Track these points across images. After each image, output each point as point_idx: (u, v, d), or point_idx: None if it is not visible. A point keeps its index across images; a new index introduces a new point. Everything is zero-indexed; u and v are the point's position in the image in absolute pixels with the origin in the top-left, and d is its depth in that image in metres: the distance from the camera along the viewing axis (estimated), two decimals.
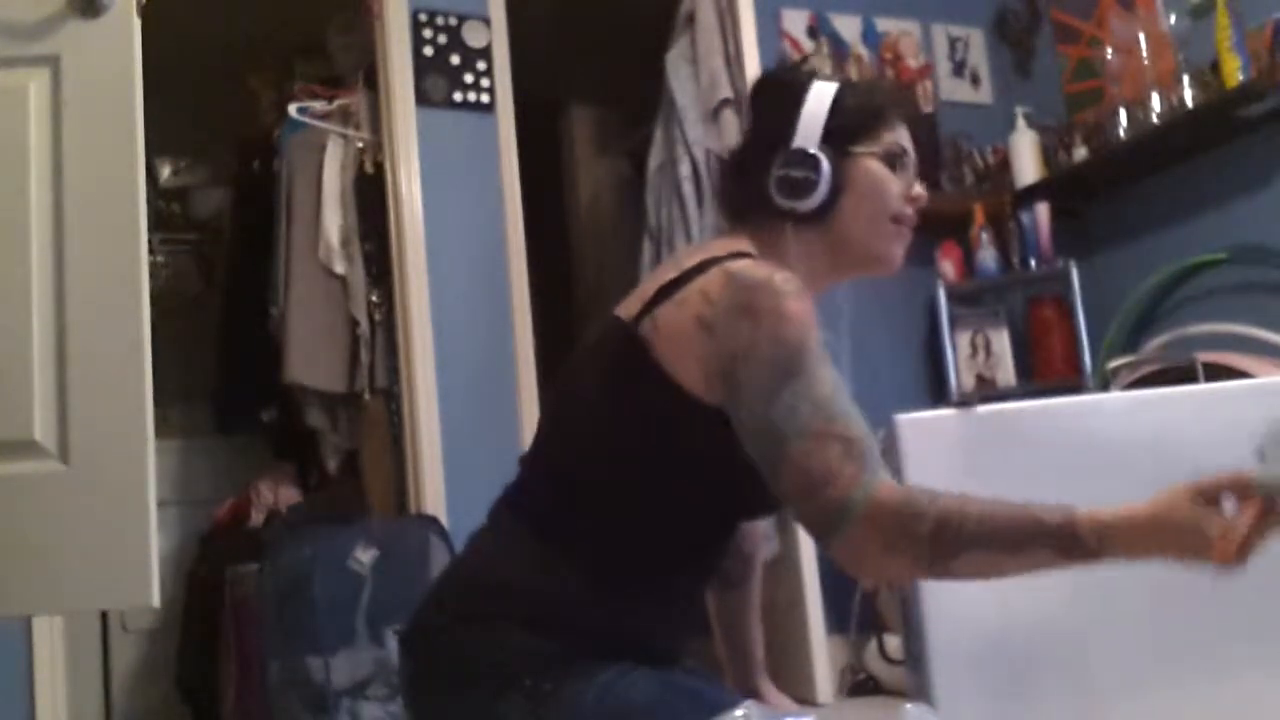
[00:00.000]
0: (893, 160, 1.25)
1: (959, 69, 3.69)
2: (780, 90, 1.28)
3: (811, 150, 1.20)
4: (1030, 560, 1.03)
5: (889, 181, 1.24)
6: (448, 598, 1.24)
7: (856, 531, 1.02)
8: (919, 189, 1.27)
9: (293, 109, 3.07)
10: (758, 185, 1.22)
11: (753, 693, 1.45)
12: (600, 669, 1.12)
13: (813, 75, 1.29)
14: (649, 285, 1.20)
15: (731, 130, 3.07)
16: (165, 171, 4.11)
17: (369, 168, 2.99)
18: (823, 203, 1.20)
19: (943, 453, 1.25)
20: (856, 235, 1.24)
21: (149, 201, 1.48)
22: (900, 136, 1.26)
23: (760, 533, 1.46)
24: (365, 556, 2.42)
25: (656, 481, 1.17)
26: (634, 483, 1.18)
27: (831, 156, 1.20)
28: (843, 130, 1.22)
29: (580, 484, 1.20)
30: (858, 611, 2.91)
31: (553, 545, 1.19)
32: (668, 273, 1.19)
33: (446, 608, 1.22)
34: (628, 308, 1.20)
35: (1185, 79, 2.89)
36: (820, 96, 1.23)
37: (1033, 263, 3.22)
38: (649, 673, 1.14)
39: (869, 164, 1.23)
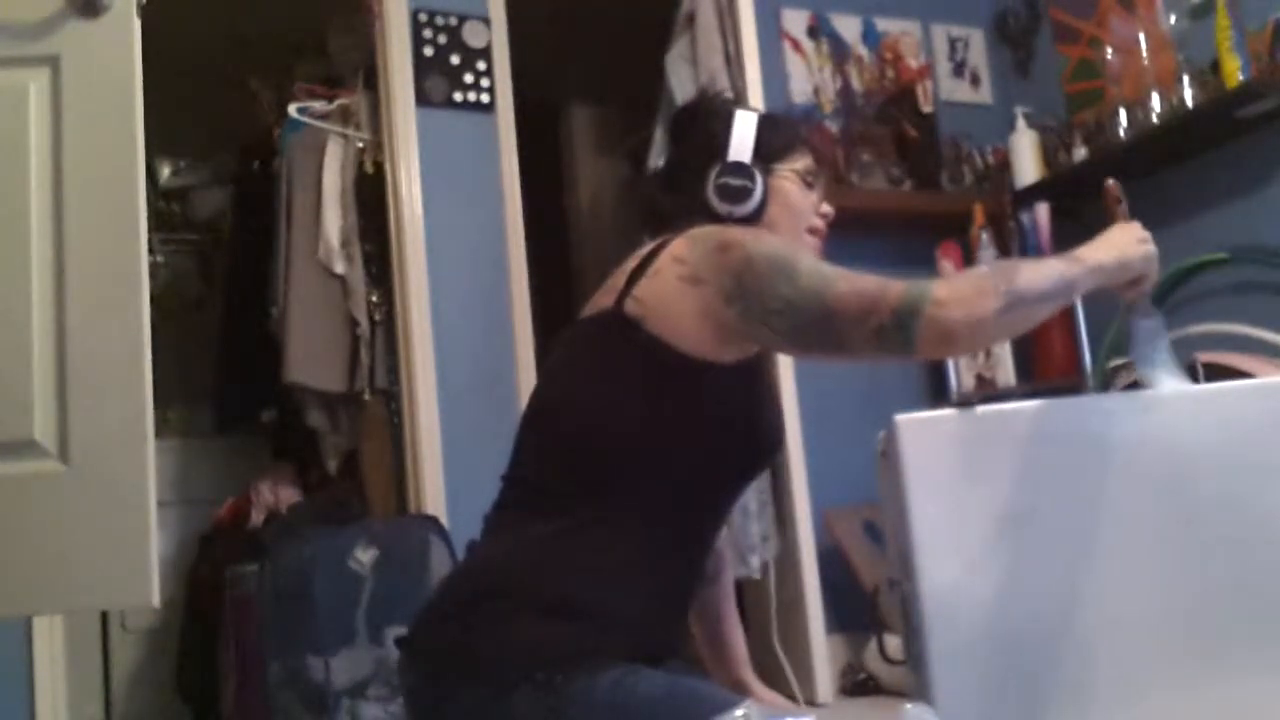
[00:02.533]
0: (807, 180, 1.39)
1: (959, 69, 3.69)
2: (709, 115, 1.42)
3: (746, 162, 1.34)
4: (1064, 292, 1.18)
5: (805, 197, 1.39)
6: (452, 601, 1.25)
7: (935, 306, 1.09)
8: (827, 207, 1.42)
9: (293, 109, 3.07)
10: (693, 195, 1.34)
11: (740, 688, 1.48)
12: (610, 665, 1.14)
13: (734, 104, 1.46)
14: (615, 280, 1.28)
15: None
16: (165, 171, 4.10)
17: (369, 168, 2.99)
18: (754, 210, 1.33)
19: (943, 453, 1.25)
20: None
21: (149, 201, 1.48)
22: (809, 162, 1.40)
23: (725, 538, 1.49)
24: (365, 556, 2.41)
25: (663, 450, 1.22)
26: (642, 456, 1.22)
27: (759, 171, 1.34)
28: (766, 151, 1.36)
29: (587, 467, 1.23)
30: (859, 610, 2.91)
31: (561, 530, 1.21)
32: (629, 265, 1.28)
33: (451, 610, 1.23)
34: (597, 305, 1.28)
35: (1185, 79, 2.89)
36: (745, 121, 1.37)
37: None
38: (656, 671, 1.17)
39: (788, 180, 1.38)
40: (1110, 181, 1.38)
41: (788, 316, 1.15)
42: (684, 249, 1.24)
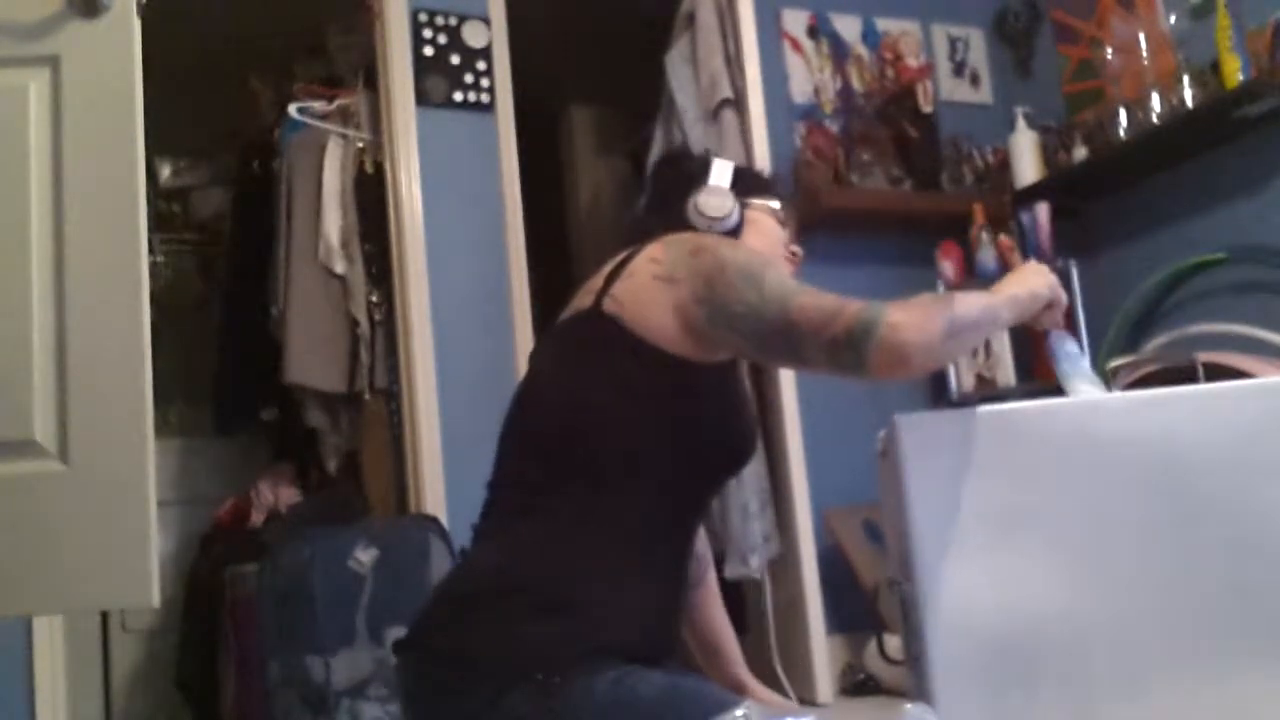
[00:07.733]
0: (778, 217, 1.47)
1: (959, 69, 3.69)
2: (686, 160, 1.52)
3: (725, 185, 1.42)
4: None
5: (778, 230, 1.46)
6: (449, 604, 1.26)
7: (889, 329, 1.13)
8: (797, 247, 1.50)
9: (293, 109, 3.07)
10: (676, 214, 1.40)
11: (738, 688, 1.49)
12: (609, 665, 1.15)
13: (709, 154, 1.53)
14: (593, 282, 1.32)
15: (732, 130, 3.07)
16: (165, 171, 4.10)
17: (369, 168, 2.99)
18: (730, 231, 1.39)
19: (943, 453, 1.25)
20: None
21: (149, 201, 1.47)
22: (780, 205, 1.48)
23: (703, 539, 1.51)
24: (365, 556, 2.42)
25: (639, 447, 1.25)
26: (620, 453, 1.24)
27: (736, 201, 1.41)
28: (743, 187, 1.44)
29: (573, 464, 1.25)
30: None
31: (550, 532, 1.22)
32: (605, 268, 1.33)
33: (448, 613, 1.24)
34: (576, 307, 1.32)
35: (1185, 79, 2.89)
36: (723, 164, 1.46)
37: (1033, 263, 3.22)
38: (655, 672, 1.17)
39: (762, 213, 1.45)
40: (1001, 236, 1.47)
41: (750, 321, 1.19)
42: (659, 250, 1.29)
